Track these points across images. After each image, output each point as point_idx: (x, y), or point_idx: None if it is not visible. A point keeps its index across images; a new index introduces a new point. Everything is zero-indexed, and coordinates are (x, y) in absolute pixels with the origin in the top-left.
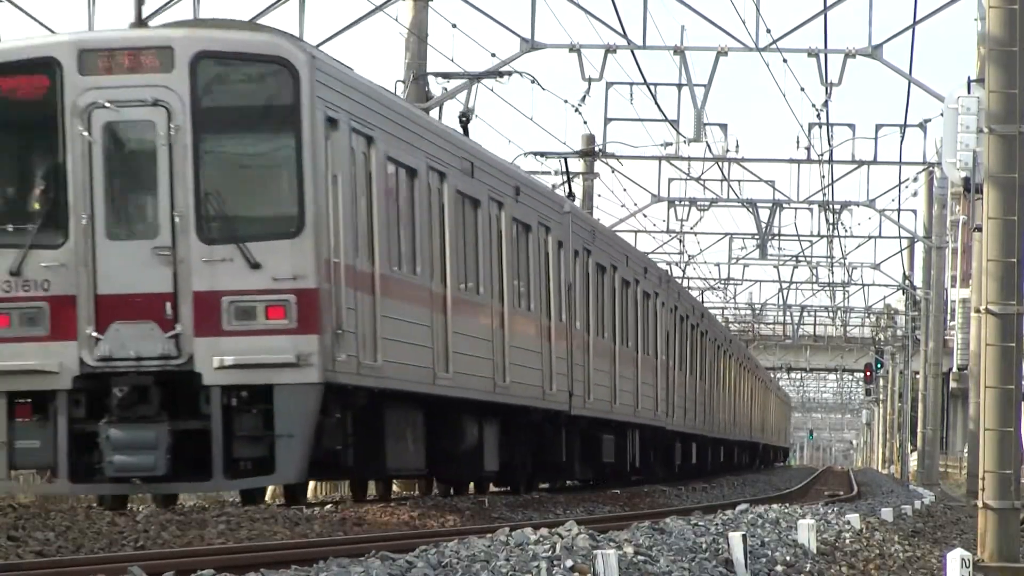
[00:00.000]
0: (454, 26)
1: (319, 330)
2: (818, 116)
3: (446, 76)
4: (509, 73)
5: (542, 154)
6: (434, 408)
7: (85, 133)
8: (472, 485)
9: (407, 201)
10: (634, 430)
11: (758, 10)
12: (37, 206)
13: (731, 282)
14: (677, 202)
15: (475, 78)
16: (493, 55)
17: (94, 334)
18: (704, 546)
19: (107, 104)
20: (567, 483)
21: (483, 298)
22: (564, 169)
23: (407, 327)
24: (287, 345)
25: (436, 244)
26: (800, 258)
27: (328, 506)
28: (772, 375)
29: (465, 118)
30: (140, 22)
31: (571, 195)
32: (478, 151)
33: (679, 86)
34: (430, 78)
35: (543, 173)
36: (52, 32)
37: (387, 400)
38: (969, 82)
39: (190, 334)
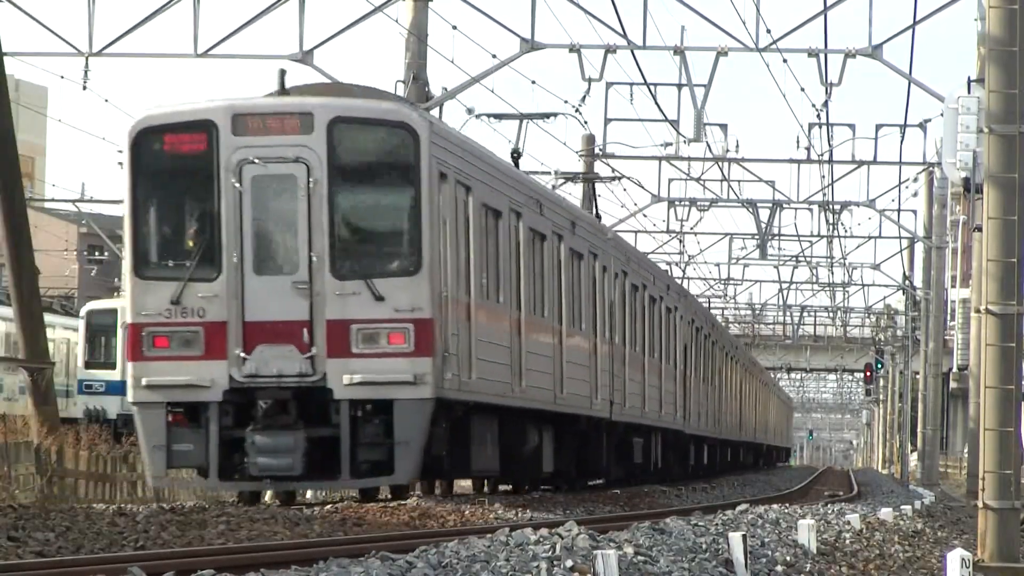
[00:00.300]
0: (454, 27)
1: (432, 353)
2: (818, 116)
3: (498, 117)
4: (555, 114)
5: (569, 177)
6: (505, 417)
7: (237, 184)
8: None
9: (493, 238)
10: (657, 433)
11: (758, 10)
12: (195, 245)
13: (731, 282)
14: (677, 202)
15: (524, 117)
16: (493, 56)
17: (242, 355)
18: (704, 546)
19: (256, 160)
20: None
21: (547, 320)
22: (592, 192)
23: (492, 348)
24: (406, 366)
25: (513, 274)
26: (800, 258)
27: (328, 506)
28: (772, 375)
29: (516, 154)
30: (283, 90)
31: (597, 215)
32: (545, 192)
33: (679, 86)
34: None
35: (543, 173)
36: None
37: (474, 411)
38: (969, 82)
39: (323, 356)
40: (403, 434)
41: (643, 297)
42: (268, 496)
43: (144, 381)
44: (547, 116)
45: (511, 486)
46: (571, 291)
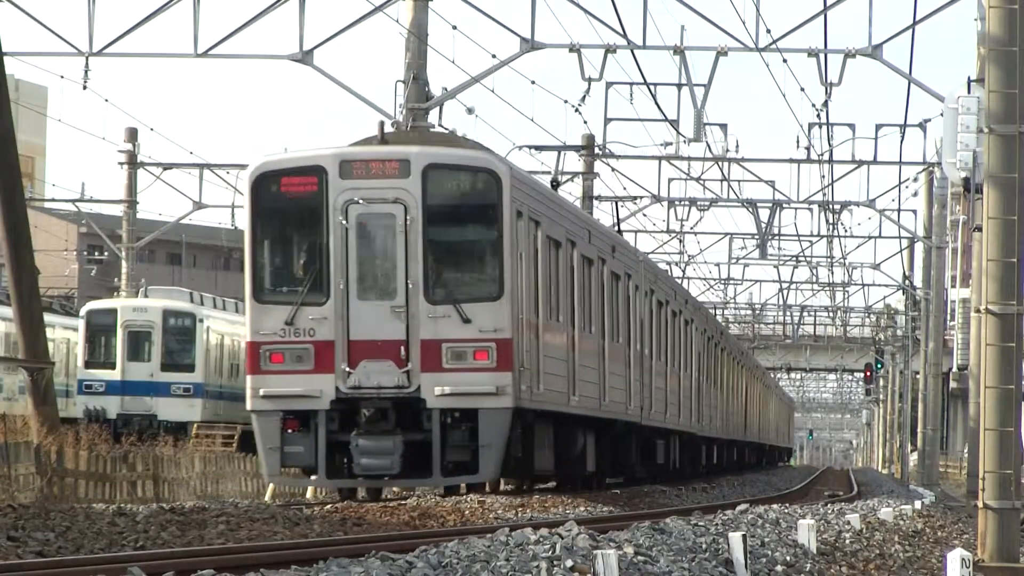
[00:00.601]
0: (454, 27)
1: (511, 368)
2: (818, 116)
3: (538, 148)
4: (583, 147)
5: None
6: (559, 423)
7: (343, 221)
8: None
9: (555, 265)
10: (675, 436)
11: (758, 10)
12: (306, 274)
13: (731, 282)
14: (677, 202)
15: (564, 148)
16: (493, 56)
17: (347, 369)
18: (704, 546)
19: (360, 200)
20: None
21: (593, 335)
22: (615, 214)
23: (554, 362)
24: (489, 380)
25: (569, 296)
26: (800, 258)
27: (328, 506)
28: (772, 375)
29: (556, 184)
30: (383, 139)
31: (620, 232)
32: (591, 221)
33: (679, 86)
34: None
35: (543, 173)
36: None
37: (537, 418)
38: (969, 82)
39: (418, 370)
40: (487, 439)
41: (666, 312)
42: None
43: (262, 392)
44: (556, 181)
45: (555, 483)
46: (611, 309)
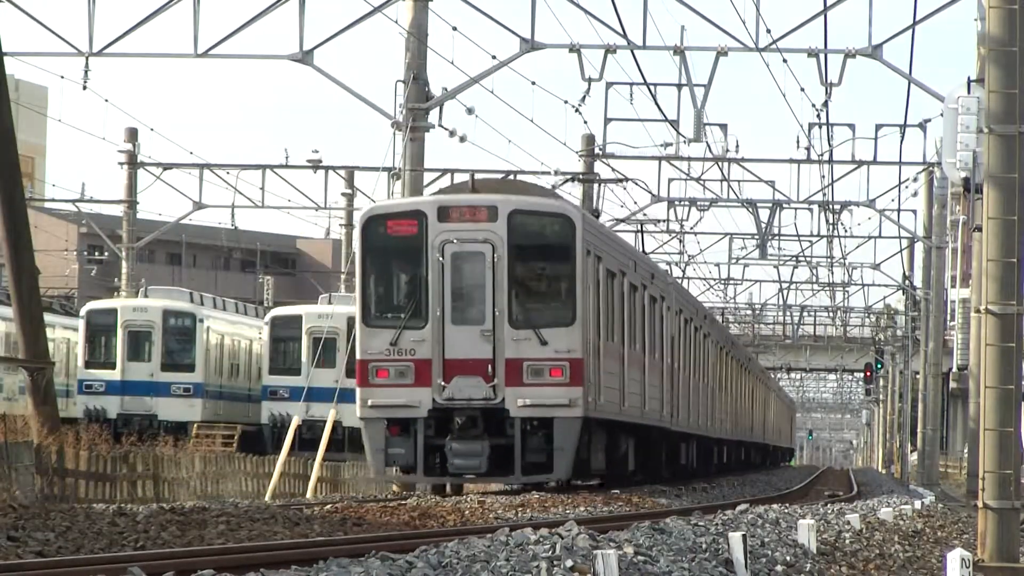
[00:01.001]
0: (454, 28)
1: (582, 384)
2: (818, 116)
3: (575, 179)
4: (564, 180)
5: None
6: (608, 428)
7: (440, 258)
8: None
9: (611, 293)
10: (693, 438)
11: (758, 10)
12: (408, 302)
13: (731, 282)
14: (677, 202)
15: (599, 181)
16: (493, 56)
17: (442, 383)
18: (704, 546)
19: (454, 240)
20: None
21: (637, 352)
22: (639, 233)
23: (610, 377)
24: (563, 393)
25: (620, 319)
26: (800, 258)
27: (328, 506)
28: (773, 375)
29: (596, 213)
30: (474, 188)
31: (596, 213)
32: (638, 253)
33: (679, 86)
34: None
35: (543, 173)
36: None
37: (596, 425)
38: (969, 82)
39: (502, 384)
40: (560, 443)
41: (690, 328)
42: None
43: (369, 402)
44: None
45: (600, 481)
46: (650, 328)
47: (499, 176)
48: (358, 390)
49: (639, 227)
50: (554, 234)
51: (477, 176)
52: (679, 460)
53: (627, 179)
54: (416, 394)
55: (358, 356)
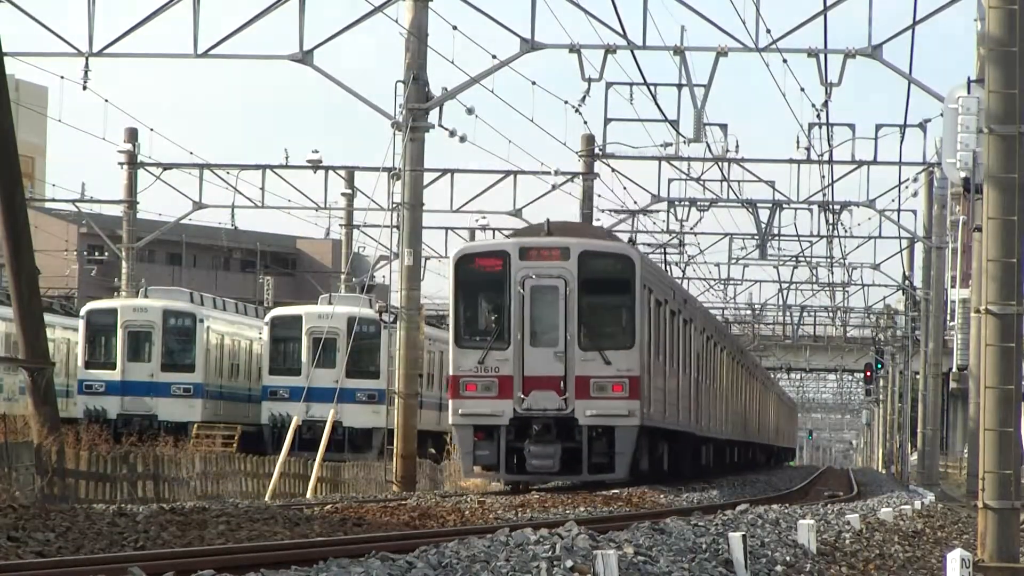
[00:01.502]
0: (454, 28)
1: (639, 397)
2: (818, 116)
3: (631, 242)
4: (563, 180)
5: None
6: (652, 434)
7: (520, 291)
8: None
9: (658, 319)
10: (711, 441)
11: (758, 10)
12: (494, 327)
13: (731, 282)
14: (677, 202)
15: (636, 212)
16: (493, 56)
17: (521, 396)
18: (704, 546)
19: (533, 276)
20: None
21: (675, 368)
22: (662, 252)
23: (658, 391)
24: (623, 406)
25: (665, 341)
26: (800, 258)
27: (328, 506)
28: (773, 376)
29: (632, 243)
30: (549, 232)
31: (667, 269)
32: (676, 284)
33: (679, 86)
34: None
35: (544, 173)
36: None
37: (645, 431)
38: (969, 82)
39: (572, 398)
40: (620, 448)
41: (710, 344)
42: (268, 495)
43: (460, 412)
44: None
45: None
46: (684, 347)
47: (571, 222)
48: (450, 401)
49: (663, 255)
50: (617, 271)
51: (552, 220)
52: (700, 460)
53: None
54: (499, 405)
55: (451, 372)
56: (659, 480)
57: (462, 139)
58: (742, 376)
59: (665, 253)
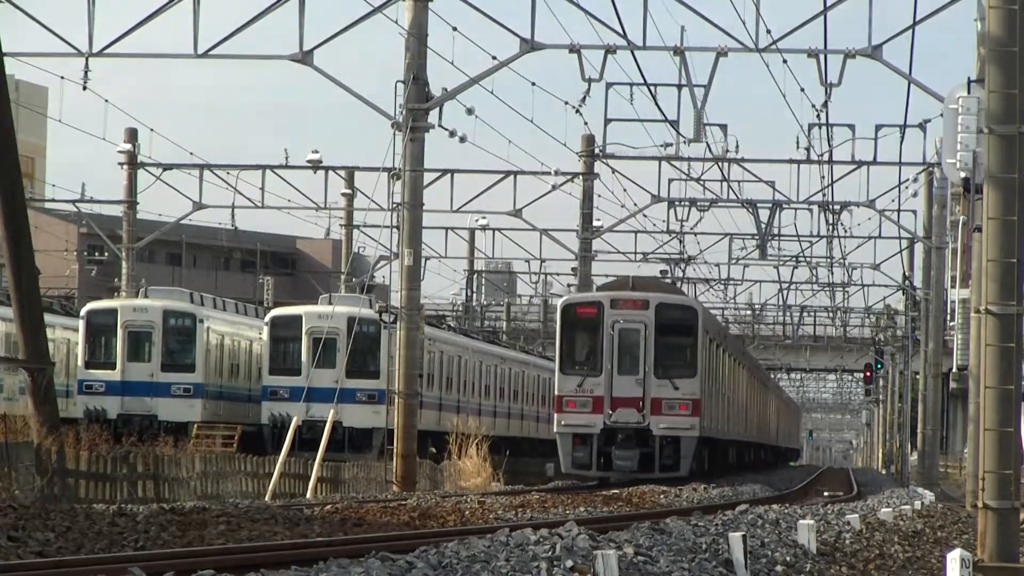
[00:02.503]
0: (454, 28)
1: (699, 415)
2: (818, 117)
3: (662, 264)
4: (563, 181)
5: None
6: (706, 442)
7: (611, 332)
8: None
9: (713, 353)
10: (734, 443)
11: (758, 11)
12: (589, 359)
13: (731, 282)
14: (677, 202)
15: (674, 260)
16: (493, 57)
17: (610, 412)
18: (704, 546)
19: (620, 321)
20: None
21: (721, 390)
22: (694, 293)
23: (711, 410)
24: (687, 421)
25: (716, 368)
26: (800, 258)
27: (328, 507)
28: (773, 375)
29: (671, 279)
30: (633, 287)
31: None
32: (721, 326)
33: (679, 87)
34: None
35: (544, 173)
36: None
37: (702, 440)
38: (969, 82)
39: (648, 414)
40: (684, 452)
41: (737, 367)
42: (268, 496)
43: (563, 423)
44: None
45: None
46: (724, 373)
47: (649, 278)
48: (555, 415)
49: (693, 286)
50: (684, 319)
51: (635, 277)
52: (727, 459)
53: None
54: (593, 418)
55: (556, 392)
56: (708, 477)
57: (462, 139)
58: (757, 388)
59: (672, 268)
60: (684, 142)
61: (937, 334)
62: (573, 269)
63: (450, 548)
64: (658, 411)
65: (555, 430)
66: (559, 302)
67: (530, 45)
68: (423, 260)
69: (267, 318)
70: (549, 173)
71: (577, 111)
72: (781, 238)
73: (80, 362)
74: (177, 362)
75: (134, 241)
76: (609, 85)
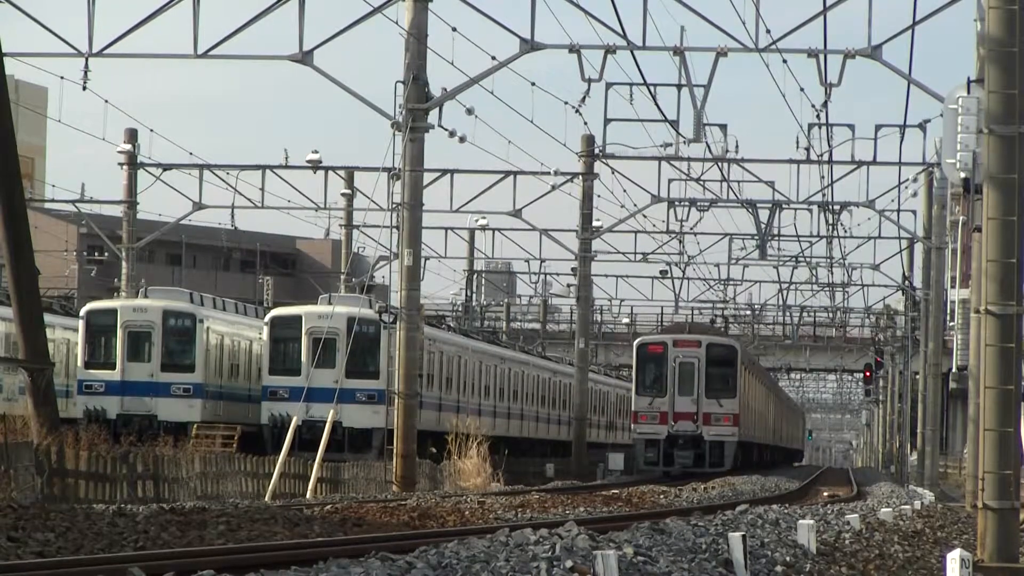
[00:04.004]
0: (454, 28)
1: (739, 425)
2: (817, 117)
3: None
4: (563, 181)
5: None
6: (742, 445)
7: (673, 364)
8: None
9: (747, 379)
10: (755, 445)
11: (758, 11)
12: (657, 384)
13: (731, 282)
14: (677, 203)
15: (720, 306)
16: (493, 57)
17: (672, 423)
18: (704, 546)
19: (680, 356)
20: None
21: (751, 405)
22: (725, 325)
23: (747, 420)
24: (729, 430)
25: (748, 389)
26: (800, 259)
27: (328, 507)
28: (774, 375)
29: (717, 322)
30: (689, 330)
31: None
32: (752, 356)
33: (679, 87)
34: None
35: (543, 173)
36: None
37: (740, 444)
38: (969, 82)
39: (701, 424)
40: (727, 453)
41: (762, 386)
42: (269, 496)
43: (638, 432)
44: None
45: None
46: (752, 390)
47: (703, 324)
48: (633, 425)
49: (725, 322)
50: (727, 355)
51: (690, 323)
52: (752, 458)
53: None
54: (660, 428)
55: (633, 408)
56: (743, 471)
57: (462, 139)
58: (773, 399)
59: (671, 272)
60: (684, 142)
61: (937, 334)
62: (573, 269)
63: (450, 548)
64: (708, 422)
65: (632, 437)
66: (635, 341)
67: (530, 45)
68: (423, 260)
69: (267, 318)
70: (549, 173)
71: (577, 111)
72: (781, 238)
73: (80, 362)
74: (177, 362)
75: (134, 241)
76: (609, 85)
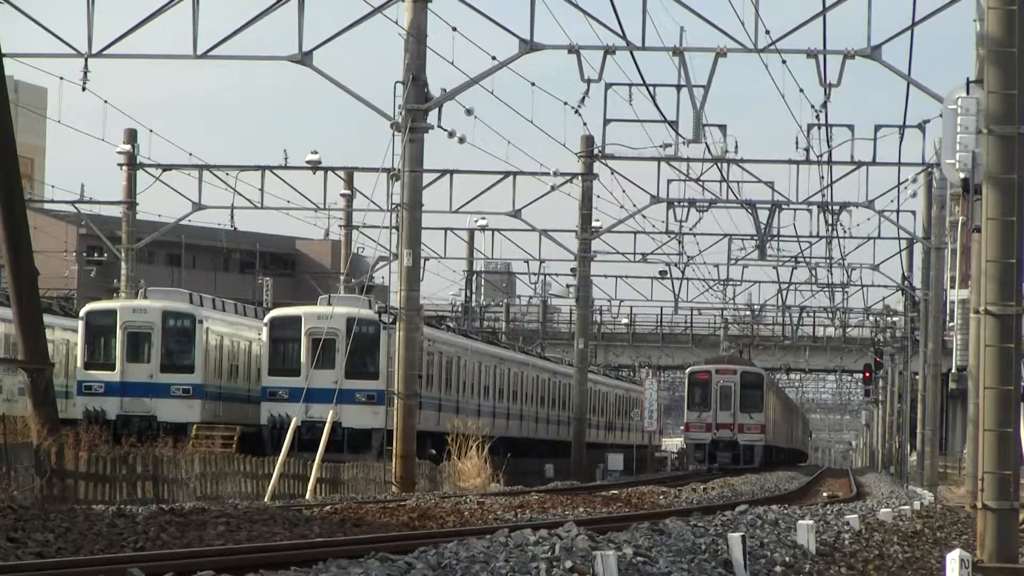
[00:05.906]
0: (454, 29)
1: (765, 433)
2: (817, 117)
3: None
4: (563, 181)
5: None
6: (767, 448)
7: (715, 388)
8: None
9: (770, 397)
10: (774, 448)
11: (757, 11)
12: (703, 402)
13: (730, 283)
14: (676, 203)
15: (729, 329)
16: (493, 57)
17: (715, 431)
18: (703, 547)
19: (721, 381)
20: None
21: (774, 416)
22: (742, 350)
23: (773, 427)
24: (759, 437)
25: (772, 405)
26: (799, 259)
27: (327, 507)
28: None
29: (744, 353)
30: (729, 361)
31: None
32: (773, 380)
33: (678, 87)
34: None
35: (543, 174)
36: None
37: (767, 448)
38: (968, 83)
39: (737, 432)
40: (756, 455)
41: (779, 401)
42: (268, 496)
43: (689, 438)
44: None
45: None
46: (775, 406)
47: (739, 356)
48: (685, 433)
49: (739, 344)
50: (756, 380)
51: (730, 356)
52: (773, 458)
53: None
54: (705, 435)
55: (685, 420)
56: (768, 468)
57: (461, 140)
58: (785, 408)
59: (670, 272)
60: (683, 143)
61: (936, 334)
62: (572, 270)
63: (449, 549)
64: (742, 431)
65: (684, 442)
66: (687, 370)
67: (529, 45)
68: (422, 261)
69: (266, 319)
70: (548, 174)
71: (576, 112)
72: (780, 239)
73: (79, 363)
74: (176, 363)
75: (133, 242)
76: (608, 86)
